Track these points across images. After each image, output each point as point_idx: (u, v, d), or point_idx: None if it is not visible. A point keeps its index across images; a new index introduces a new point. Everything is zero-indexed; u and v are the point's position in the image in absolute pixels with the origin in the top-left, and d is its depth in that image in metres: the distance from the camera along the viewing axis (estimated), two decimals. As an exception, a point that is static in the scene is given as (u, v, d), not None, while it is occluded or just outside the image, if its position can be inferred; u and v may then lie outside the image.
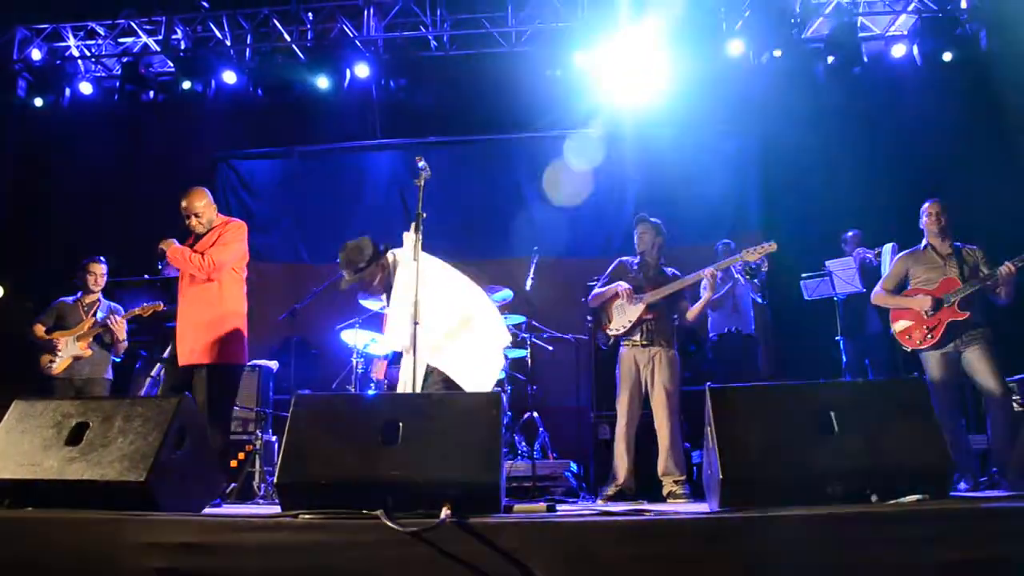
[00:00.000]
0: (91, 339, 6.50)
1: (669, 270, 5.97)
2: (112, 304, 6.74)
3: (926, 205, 5.66)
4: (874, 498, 2.80)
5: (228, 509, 4.74)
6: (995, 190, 8.55)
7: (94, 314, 6.63)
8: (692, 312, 5.84)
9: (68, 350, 6.46)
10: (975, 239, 5.70)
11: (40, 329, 6.55)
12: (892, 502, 2.76)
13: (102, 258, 6.79)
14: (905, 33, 9.44)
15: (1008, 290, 5.28)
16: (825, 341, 7.61)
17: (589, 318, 6.00)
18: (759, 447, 2.95)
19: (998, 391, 5.12)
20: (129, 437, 3.17)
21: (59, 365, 6.44)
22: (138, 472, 3.04)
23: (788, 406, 3.06)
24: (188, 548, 2.62)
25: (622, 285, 5.78)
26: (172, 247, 5.19)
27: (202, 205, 5.27)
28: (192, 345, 5.05)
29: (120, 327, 6.47)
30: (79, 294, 6.73)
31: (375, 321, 7.43)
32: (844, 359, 7.34)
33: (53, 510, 2.96)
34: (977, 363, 5.21)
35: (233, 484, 6.23)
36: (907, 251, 5.73)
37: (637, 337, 5.75)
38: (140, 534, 2.67)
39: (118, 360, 6.82)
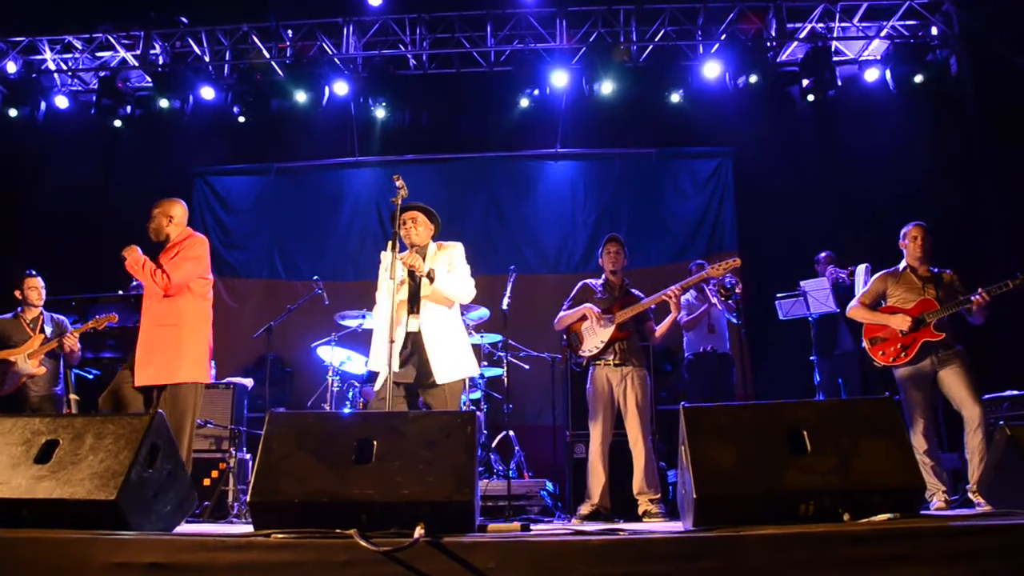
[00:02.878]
0: (43, 356, 6.37)
1: (634, 290, 6.00)
2: (57, 316, 6.56)
3: (909, 228, 5.67)
4: (846, 517, 2.82)
5: (200, 528, 4.69)
6: (966, 211, 8.72)
7: (40, 329, 6.43)
8: (659, 331, 5.88)
9: (21, 368, 6.29)
10: (946, 258, 5.78)
11: None
12: (864, 520, 2.78)
13: (33, 271, 6.62)
14: (878, 58, 9.64)
15: (982, 315, 5.34)
16: (799, 360, 7.68)
17: (564, 339, 6.00)
18: (732, 466, 2.97)
19: (976, 411, 5.16)
20: (100, 455, 3.13)
21: (13, 385, 6.27)
22: (108, 490, 3.00)
23: (761, 425, 3.08)
24: (159, 568, 2.58)
25: (591, 307, 5.79)
26: (133, 254, 4.98)
27: (177, 212, 5.16)
28: (149, 366, 4.85)
29: (73, 342, 6.35)
30: (19, 309, 6.48)
31: (351, 339, 7.41)
32: (817, 378, 7.41)
33: (21, 529, 2.91)
34: (954, 383, 5.25)
35: (206, 503, 6.16)
36: (886, 271, 5.77)
37: (610, 357, 5.77)
38: (110, 554, 2.64)
39: (76, 371, 6.70)
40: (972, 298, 5.28)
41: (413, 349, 4.71)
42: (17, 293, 6.48)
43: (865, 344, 5.63)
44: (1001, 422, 5.39)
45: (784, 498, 2.90)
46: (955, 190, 8.94)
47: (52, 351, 6.40)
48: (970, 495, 5.09)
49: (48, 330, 6.45)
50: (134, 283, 7.31)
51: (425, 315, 4.74)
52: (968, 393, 5.21)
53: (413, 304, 4.79)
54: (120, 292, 7.10)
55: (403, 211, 4.88)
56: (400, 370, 4.62)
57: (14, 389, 6.30)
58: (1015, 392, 6.21)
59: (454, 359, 4.75)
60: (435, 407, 4.65)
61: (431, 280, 4.69)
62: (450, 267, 4.90)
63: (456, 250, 5.03)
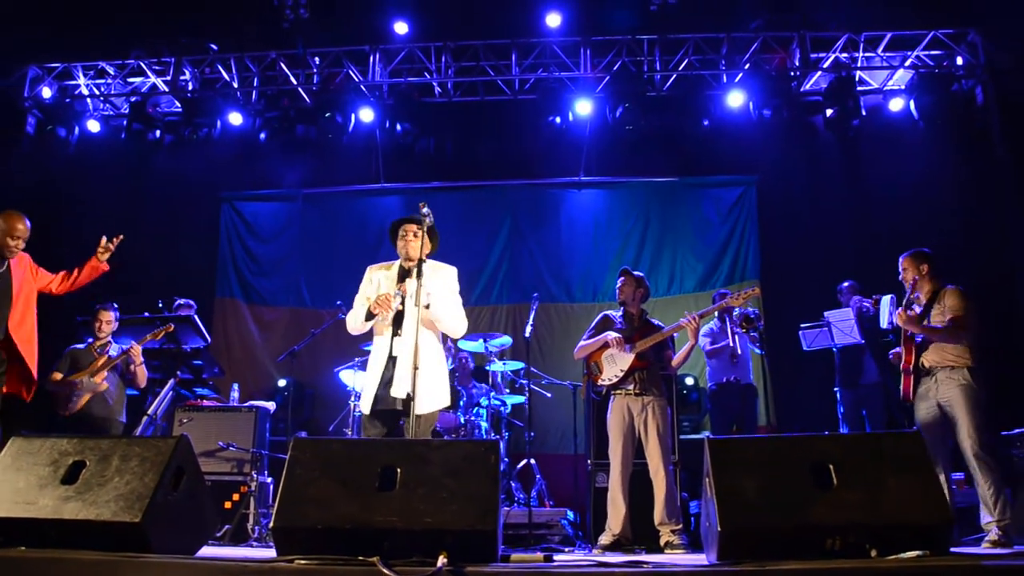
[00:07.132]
0: (105, 372, 6.46)
1: (654, 320, 6.00)
2: (123, 346, 6.69)
3: None
4: (873, 553, 2.78)
5: (221, 551, 4.69)
6: (991, 241, 8.65)
7: (106, 352, 6.57)
8: (675, 360, 5.84)
9: (86, 387, 6.37)
10: (972, 288, 5.67)
11: (57, 376, 6.43)
12: (892, 558, 2.74)
13: (113, 304, 6.75)
14: (903, 88, 9.60)
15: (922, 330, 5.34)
16: (822, 391, 7.60)
17: (585, 368, 5.98)
18: (757, 499, 2.94)
19: (960, 440, 5.10)
20: (126, 477, 3.16)
21: (79, 402, 6.36)
22: (133, 513, 3.02)
23: (786, 458, 3.05)
24: (182, 592, 2.60)
25: (612, 335, 5.78)
26: None
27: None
28: None
29: (137, 352, 6.47)
30: (90, 340, 6.65)
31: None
32: (841, 410, 7.32)
33: (47, 550, 2.93)
34: (953, 408, 5.19)
35: (227, 526, 6.17)
36: None
37: (630, 386, 5.74)
38: (134, 577, 2.65)
39: (136, 393, 6.81)
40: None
41: (395, 373, 4.58)
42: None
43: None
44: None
45: (810, 533, 2.86)
46: (980, 220, 8.87)
47: (121, 374, 6.58)
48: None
49: (113, 352, 6.56)
50: (160, 303, 7.43)
51: (409, 340, 4.51)
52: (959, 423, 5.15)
53: (398, 327, 4.69)
54: (147, 314, 7.15)
55: (405, 222, 4.92)
56: (384, 394, 4.57)
57: (79, 408, 6.36)
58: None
59: (433, 389, 4.65)
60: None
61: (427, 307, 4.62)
62: (449, 292, 4.87)
63: (451, 275, 4.96)
